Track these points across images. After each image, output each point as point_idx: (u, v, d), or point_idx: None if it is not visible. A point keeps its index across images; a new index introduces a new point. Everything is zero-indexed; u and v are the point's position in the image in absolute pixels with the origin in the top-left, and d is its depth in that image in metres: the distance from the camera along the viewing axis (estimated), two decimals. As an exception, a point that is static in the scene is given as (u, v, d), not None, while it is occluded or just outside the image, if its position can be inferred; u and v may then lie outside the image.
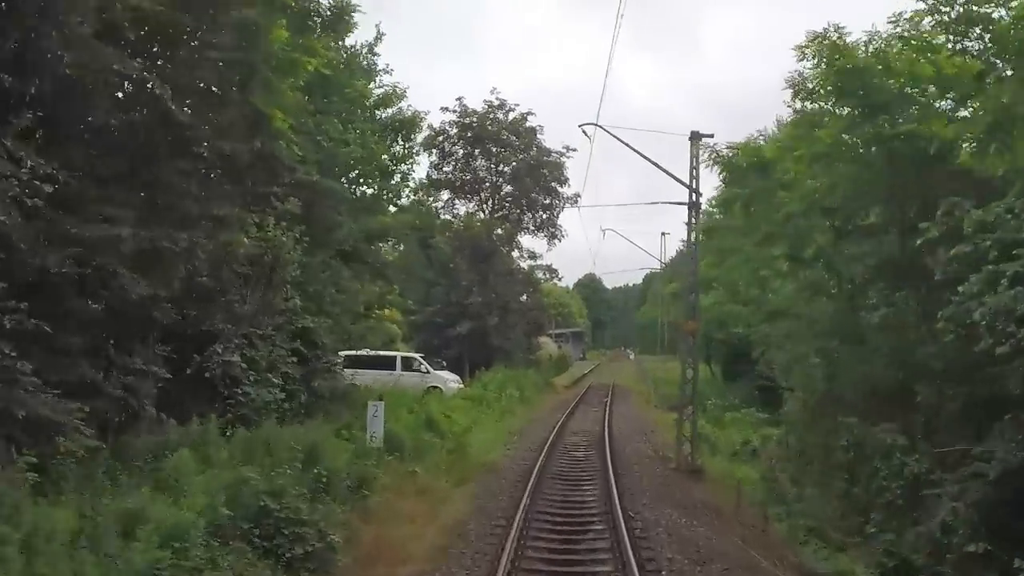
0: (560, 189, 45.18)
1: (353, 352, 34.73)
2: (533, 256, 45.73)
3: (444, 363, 37.25)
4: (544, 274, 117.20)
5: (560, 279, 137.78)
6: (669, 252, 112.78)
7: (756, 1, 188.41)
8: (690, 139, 22.91)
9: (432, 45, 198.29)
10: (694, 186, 22.89)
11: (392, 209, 24.79)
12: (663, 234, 46.46)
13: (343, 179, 20.12)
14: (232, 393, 14.75)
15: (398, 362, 33.26)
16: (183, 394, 14.13)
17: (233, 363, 14.38)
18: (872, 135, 16.00)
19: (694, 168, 22.95)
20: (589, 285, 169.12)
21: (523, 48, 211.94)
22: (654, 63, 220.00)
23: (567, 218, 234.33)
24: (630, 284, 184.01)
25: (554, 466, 20.20)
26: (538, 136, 46.27)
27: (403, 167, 25.45)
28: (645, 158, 23.40)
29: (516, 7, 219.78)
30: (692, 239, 23.25)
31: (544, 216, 45.52)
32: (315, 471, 12.75)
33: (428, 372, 32.74)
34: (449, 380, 32.76)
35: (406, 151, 25.97)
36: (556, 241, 45.79)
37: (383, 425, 15.84)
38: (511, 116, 46.23)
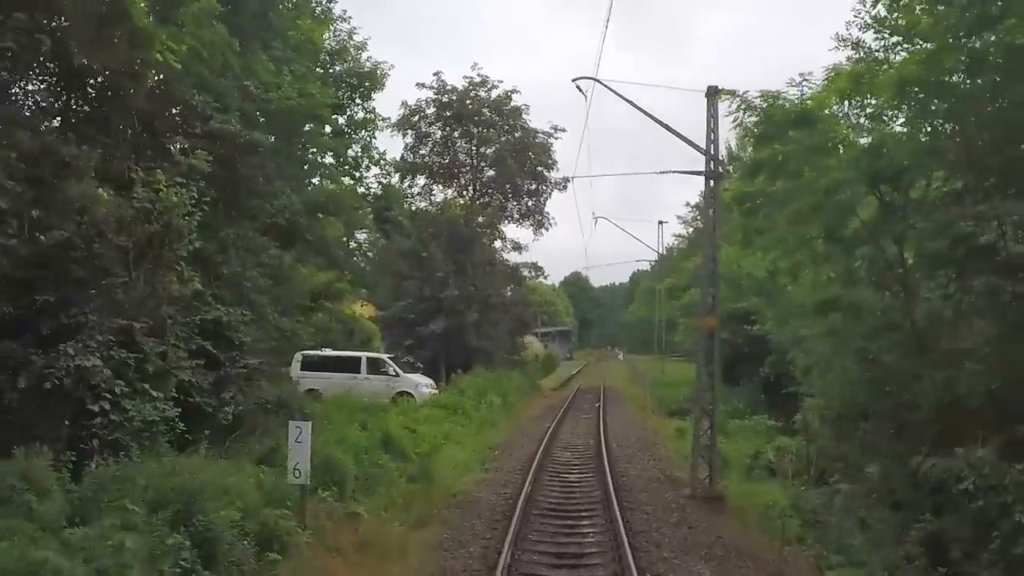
0: (547, 174, 41.12)
1: (314, 353, 30.68)
2: (518, 247, 41.75)
3: (420, 365, 33.15)
4: (530, 272, 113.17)
5: (546, 276, 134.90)
6: (670, 249, 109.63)
7: (744, 4, 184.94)
8: (707, 96, 18.86)
9: (416, 40, 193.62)
10: (712, 151, 18.84)
11: (348, 182, 20.50)
12: (660, 223, 41.72)
13: (280, 137, 15.86)
14: (99, 410, 10.57)
15: (363, 364, 29.08)
16: (19, 412, 9.99)
17: (91, 369, 10.18)
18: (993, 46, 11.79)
19: (712, 131, 18.90)
20: (576, 283, 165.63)
21: (511, 47, 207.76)
22: (640, 63, 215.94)
23: (555, 205, 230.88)
24: (617, 283, 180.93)
25: (543, 495, 16.11)
26: (524, 116, 42.17)
27: (363, 134, 21.18)
28: (650, 116, 19.31)
29: (504, 4, 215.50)
30: (712, 215, 19.17)
31: (530, 203, 41.46)
32: (193, 529, 8.59)
33: (397, 376, 28.58)
34: (421, 385, 28.62)
35: (368, 115, 21.74)
36: (543, 230, 41.83)
37: (311, 453, 11.66)
38: (494, 94, 42.09)
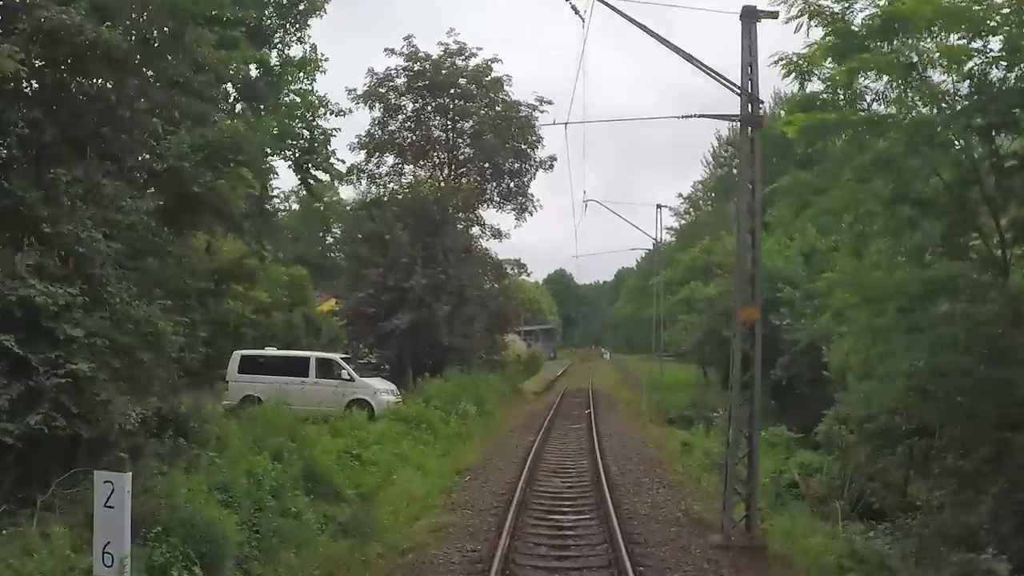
0: (532, 152, 36.49)
1: (254, 353, 25.93)
2: (498, 234, 37.20)
3: (386, 367, 28.52)
4: (513, 268, 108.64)
5: (529, 274, 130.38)
6: (666, 238, 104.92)
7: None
8: (742, 18, 14.33)
9: (396, 31, 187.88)
10: (750, 90, 14.32)
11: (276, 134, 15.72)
12: (658, 207, 37.13)
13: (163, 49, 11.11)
14: None
15: (312, 366, 24.42)
16: None
17: None
18: None
19: (749, 64, 14.36)
20: (560, 280, 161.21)
21: (492, 39, 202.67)
22: (628, 59, 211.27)
23: (542, 188, 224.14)
24: (601, 281, 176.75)
25: (527, 555, 11.53)
26: (506, 88, 37.54)
27: (300, 76, 16.46)
28: (666, 44, 14.72)
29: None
30: (752, 170, 14.63)
31: (512, 184, 36.83)
32: None
33: (352, 380, 23.92)
34: (380, 391, 23.98)
35: (308, 55, 17.01)
36: (526, 215, 37.32)
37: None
38: (472, 63, 37.42)
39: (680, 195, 75.45)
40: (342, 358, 24.94)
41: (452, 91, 37.14)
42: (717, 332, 35.81)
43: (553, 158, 36.89)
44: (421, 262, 26.02)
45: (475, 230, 37.90)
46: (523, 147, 36.45)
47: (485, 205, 37.48)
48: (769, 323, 35.34)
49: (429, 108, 37.53)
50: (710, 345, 36.64)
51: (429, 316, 25.45)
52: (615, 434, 27.86)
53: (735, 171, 63.44)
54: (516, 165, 36.76)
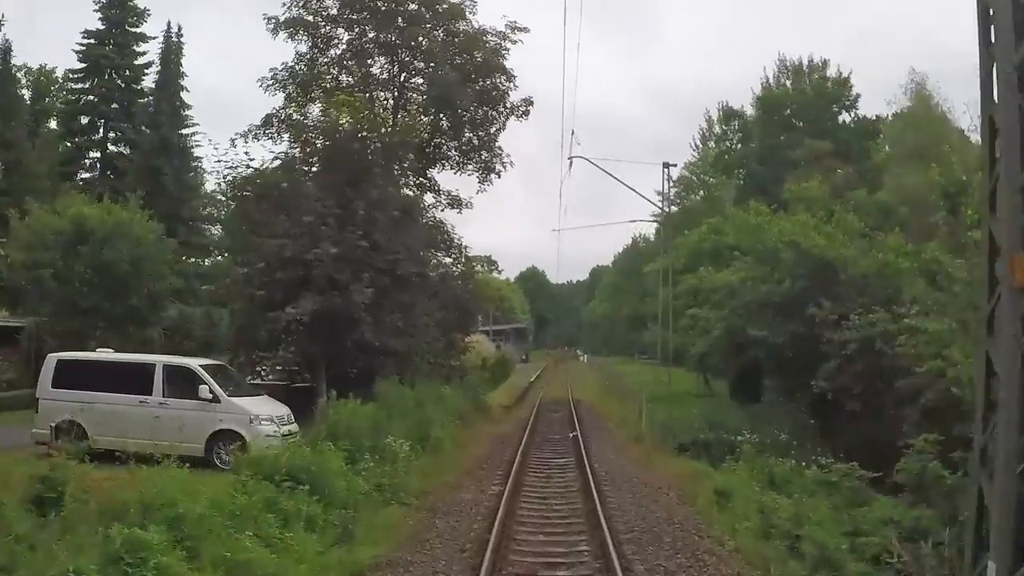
0: (501, 87, 27.91)
1: (78, 357, 17.22)
2: (457, 203, 28.65)
3: (310, 376, 20.02)
4: (483, 265, 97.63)
5: (501, 271, 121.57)
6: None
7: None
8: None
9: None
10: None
11: None
12: (666, 165, 27.90)
13: None
14: None
15: (157, 379, 15.83)
16: None
17: None
18: None
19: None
20: (533, 278, 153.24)
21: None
22: (615, 55, 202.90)
23: (515, 187, 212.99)
24: (575, 280, 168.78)
25: None
26: (468, 16, 29.00)
27: None
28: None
29: None
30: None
31: (475, 137, 28.34)
32: None
33: (216, 401, 15.38)
34: (260, 418, 15.51)
35: None
36: (495, 176, 28.88)
37: None
38: (425, -16, 28.82)
39: (670, 179, 67.00)
40: (208, 366, 16.29)
41: (399, 16, 28.54)
42: (739, 331, 27.62)
43: (529, 102, 28.49)
44: (334, 224, 17.31)
45: (429, 198, 29.42)
46: (489, 85, 27.89)
47: (440, 167, 29.04)
48: (805, 319, 27.36)
49: (368, 38, 28.90)
50: (730, 347, 28.41)
51: (344, 303, 16.77)
52: (616, 474, 19.50)
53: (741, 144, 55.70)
54: (481, 112, 28.26)
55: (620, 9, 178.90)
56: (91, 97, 48.48)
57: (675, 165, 25.80)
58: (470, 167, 28.82)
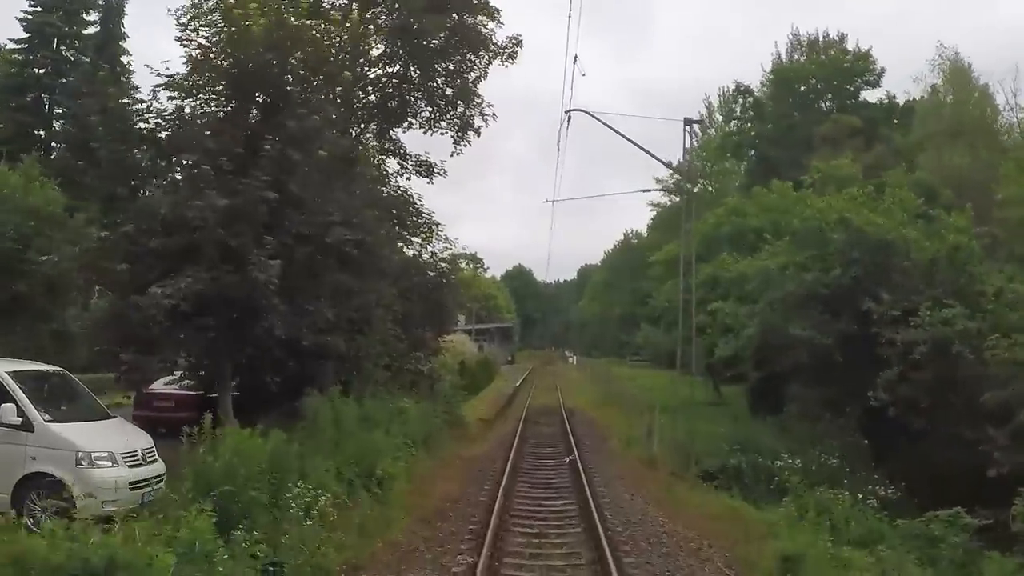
0: (481, 28, 22.30)
1: None
2: (427, 168, 22.99)
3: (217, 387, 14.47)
4: (467, 263, 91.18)
5: (486, 269, 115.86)
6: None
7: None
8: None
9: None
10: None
11: None
12: (687, 122, 22.46)
13: None
14: None
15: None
16: None
17: None
18: None
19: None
20: (519, 277, 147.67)
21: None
22: (607, 54, 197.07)
23: (503, 187, 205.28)
24: (563, 280, 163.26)
25: None
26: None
27: None
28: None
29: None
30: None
31: (448, 88, 22.73)
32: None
33: (30, 428, 9.87)
34: (94, 456, 9.95)
35: None
36: (473, 134, 23.29)
37: None
38: None
39: (669, 165, 61.60)
40: (24, 373, 10.71)
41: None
42: (778, 330, 22.22)
43: (516, 41, 22.94)
44: (228, 167, 11.72)
45: (392, 165, 23.77)
46: (468, 23, 22.26)
47: (407, 125, 23.44)
48: (858, 315, 22.09)
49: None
50: (765, 350, 22.97)
51: (242, 282, 11.21)
52: (634, 520, 14.08)
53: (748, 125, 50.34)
54: (456, 58, 22.71)
55: (611, 10, 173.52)
56: (36, 70, 42.63)
57: (698, 121, 20.23)
58: (443, 124, 23.33)
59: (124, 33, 43.61)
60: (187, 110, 13.64)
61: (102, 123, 12.96)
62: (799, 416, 25.52)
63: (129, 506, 9.73)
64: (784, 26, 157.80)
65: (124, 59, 42.53)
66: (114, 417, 11.37)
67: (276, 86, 12.75)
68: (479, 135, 23.27)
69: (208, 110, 13.17)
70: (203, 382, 15.56)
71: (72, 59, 43.30)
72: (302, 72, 13.10)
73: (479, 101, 22.97)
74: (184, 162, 11.86)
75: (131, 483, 10.06)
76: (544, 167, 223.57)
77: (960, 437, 20.06)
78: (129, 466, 10.23)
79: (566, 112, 20.27)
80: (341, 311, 13.56)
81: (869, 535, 15.76)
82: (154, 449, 10.77)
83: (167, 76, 13.21)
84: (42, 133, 42.83)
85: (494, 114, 23.49)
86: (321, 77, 13.60)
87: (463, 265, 41.27)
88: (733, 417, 29.73)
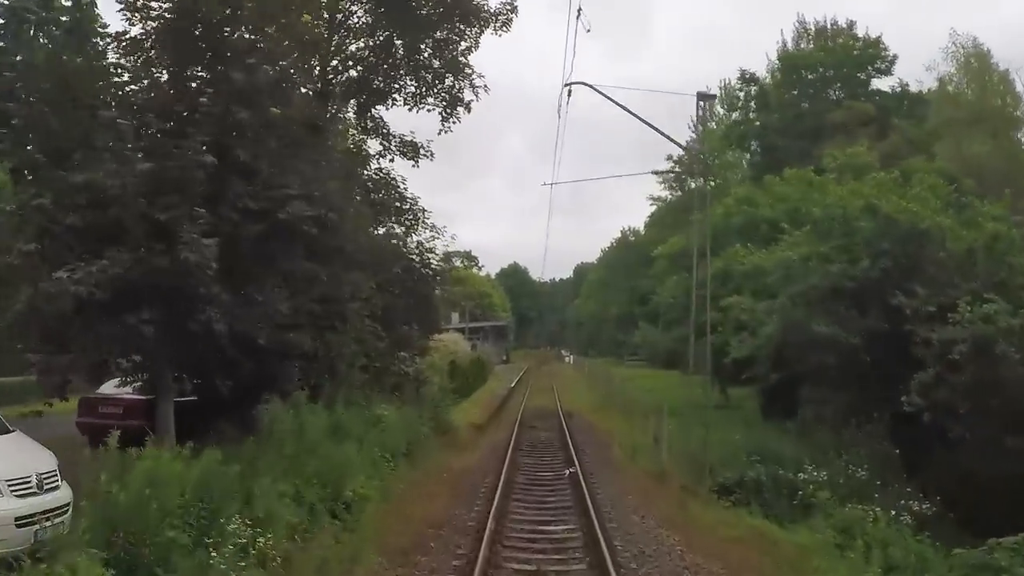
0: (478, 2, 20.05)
1: None
2: (412, 149, 20.76)
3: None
4: (462, 261, 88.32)
5: (481, 267, 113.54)
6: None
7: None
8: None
9: None
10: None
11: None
12: (701, 97, 19.77)
13: None
14: None
15: None
16: None
17: None
18: None
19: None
20: (514, 275, 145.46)
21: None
22: (606, 53, 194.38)
23: (499, 186, 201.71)
24: (558, 279, 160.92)
25: None
26: None
27: None
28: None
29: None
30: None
31: (440, 58, 20.44)
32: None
33: None
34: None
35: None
36: (463, 110, 21.12)
37: None
38: None
39: (670, 157, 59.42)
40: None
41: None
42: (802, 327, 20.11)
43: (511, 7, 20.73)
44: (157, 124, 9.50)
45: (373, 146, 21.61)
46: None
47: (391, 101, 21.26)
48: (889, 311, 20.08)
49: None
50: (787, 350, 20.83)
51: (174, 266, 9.03)
52: (648, 547, 11.98)
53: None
54: (446, 26, 20.51)
55: (609, 11, 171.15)
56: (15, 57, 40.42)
57: (712, 97, 18.12)
58: (430, 100, 21.16)
59: (97, 15, 41.42)
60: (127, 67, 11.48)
61: (20, 78, 10.74)
62: (816, 421, 23.46)
63: (15, 548, 7.66)
64: (785, 25, 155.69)
65: (96, 40, 40.31)
66: (12, 431, 9.21)
67: (217, 31, 10.53)
68: (469, 111, 21.17)
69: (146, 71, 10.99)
70: (151, 386, 13.41)
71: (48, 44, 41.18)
72: (253, 22, 10.91)
73: (469, 72, 20.83)
74: (101, 113, 9.65)
75: (18, 518, 7.91)
76: (540, 167, 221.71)
77: (1002, 445, 18.03)
78: (18, 496, 8.06)
79: (566, 85, 18.07)
80: (300, 303, 11.39)
81: (913, 562, 13.78)
82: (56, 473, 8.60)
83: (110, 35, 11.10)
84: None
85: (486, 86, 21.37)
86: (276, 28, 11.42)
87: (457, 263, 39.18)
88: (744, 422, 27.62)
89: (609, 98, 17.99)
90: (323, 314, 14.51)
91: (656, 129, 18.82)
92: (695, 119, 21.88)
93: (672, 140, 21.20)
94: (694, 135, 52.89)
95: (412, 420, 18.60)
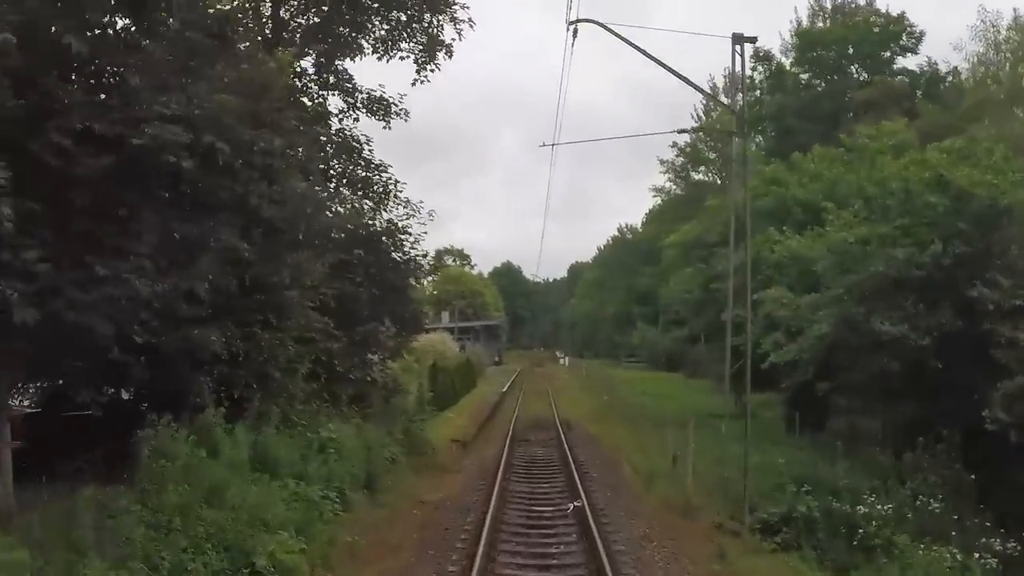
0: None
1: None
2: (382, 106, 17.12)
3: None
4: (455, 259, 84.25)
5: (473, 266, 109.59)
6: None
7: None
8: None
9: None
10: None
11: None
12: (737, 40, 16.24)
13: None
14: None
15: None
16: None
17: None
18: None
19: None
20: (508, 274, 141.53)
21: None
22: (599, 51, 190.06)
23: (495, 187, 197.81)
24: (551, 279, 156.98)
25: None
26: None
27: None
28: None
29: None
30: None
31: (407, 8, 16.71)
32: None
33: None
34: None
35: None
36: (443, 55, 17.40)
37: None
38: None
39: (675, 144, 55.78)
40: None
41: None
42: (861, 327, 16.37)
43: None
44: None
45: (337, 102, 17.83)
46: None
47: (356, 52, 17.48)
48: (963, 305, 16.49)
49: None
50: (845, 353, 17.09)
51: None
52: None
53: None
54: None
55: (608, 7, 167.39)
56: None
57: (752, 39, 14.48)
58: (403, 45, 17.42)
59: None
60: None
61: None
62: (854, 435, 19.83)
63: None
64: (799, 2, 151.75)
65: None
66: None
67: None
68: (451, 55, 17.40)
69: None
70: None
71: None
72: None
73: (450, 6, 17.03)
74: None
75: None
76: (537, 166, 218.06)
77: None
78: None
79: (570, 24, 14.32)
80: (180, 281, 7.64)
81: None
82: None
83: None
84: None
85: (470, 19, 17.50)
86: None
87: (449, 261, 35.40)
88: (766, 436, 23.94)
89: (621, 37, 14.28)
90: (251, 305, 10.88)
91: (678, 75, 15.15)
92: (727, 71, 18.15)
93: (697, 87, 17.52)
94: (700, 118, 49.55)
95: (376, 441, 14.82)
